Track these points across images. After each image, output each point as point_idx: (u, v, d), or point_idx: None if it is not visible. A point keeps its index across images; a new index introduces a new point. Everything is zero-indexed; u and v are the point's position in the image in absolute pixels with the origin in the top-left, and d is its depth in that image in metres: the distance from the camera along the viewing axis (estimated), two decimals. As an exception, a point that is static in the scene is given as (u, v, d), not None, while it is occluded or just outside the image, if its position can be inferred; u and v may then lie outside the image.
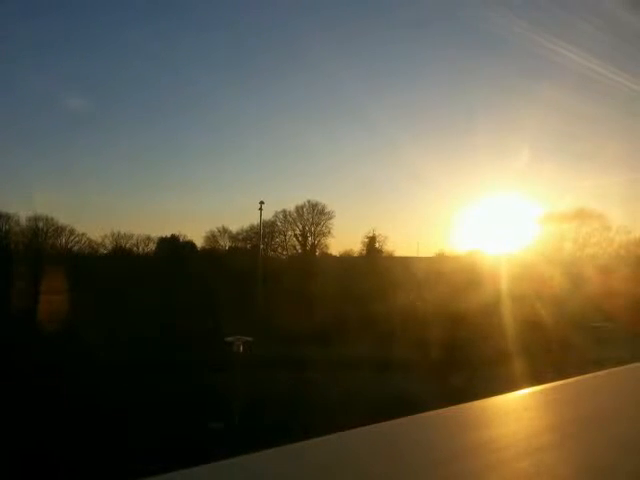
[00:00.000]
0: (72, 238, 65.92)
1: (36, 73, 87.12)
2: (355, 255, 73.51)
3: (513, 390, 2.38)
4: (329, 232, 74.14)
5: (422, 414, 1.75)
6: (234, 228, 74.63)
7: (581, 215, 70.11)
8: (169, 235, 71.14)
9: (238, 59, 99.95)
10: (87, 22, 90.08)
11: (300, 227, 73.61)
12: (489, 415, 1.85)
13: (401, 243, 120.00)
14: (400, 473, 1.37)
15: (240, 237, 74.00)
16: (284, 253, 75.55)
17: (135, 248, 67.68)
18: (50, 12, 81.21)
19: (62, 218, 67.43)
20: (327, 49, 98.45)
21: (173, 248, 67.56)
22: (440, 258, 69.86)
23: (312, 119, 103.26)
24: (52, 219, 64.59)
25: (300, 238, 74.09)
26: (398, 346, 35.77)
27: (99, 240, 67.03)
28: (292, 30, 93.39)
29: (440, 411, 1.88)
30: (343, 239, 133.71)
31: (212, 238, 74.08)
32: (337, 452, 1.46)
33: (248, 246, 72.84)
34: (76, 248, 66.06)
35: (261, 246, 66.99)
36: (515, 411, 1.95)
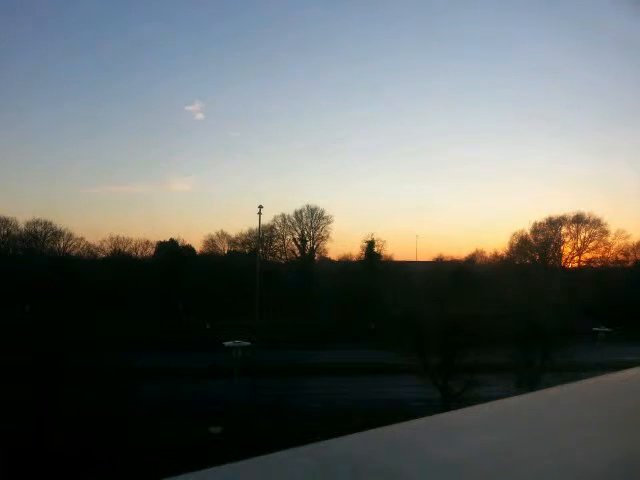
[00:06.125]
0: (70, 242, 65.92)
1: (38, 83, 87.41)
2: (354, 259, 73.57)
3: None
4: (328, 236, 74.28)
5: (422, 419, 1.75)
6: (233, 232, 74.84)
7: (580, 220, 70.28)
8: (168, 239, 71.14)
9: (239, 63, 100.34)
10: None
11: (299, 231, 73.67)
12: (489, 420, 1.85)
13: (400, 247, 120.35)
14: (400, 478, 1.37)
15: (239, 241, 74.09)
16: (283, 257, 75.54)
17: (134, 252, 67.53)
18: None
19: (60, 221, 67.70)
20: (322, 56, 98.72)
21: (172, 252, 67.43)
22: (438, 263, 69.98)
23: (312, 123, 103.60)
24: (50, 223, 64.66)
25: (299, 242, 74.09)
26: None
27: (97, 244, 67.00)
28: (302, 36, 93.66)
29: (440, 416, 1.88)
30: (342, 243, 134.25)
31: (211, 242, 74.20)
32: (336, 457, 1.46)
33: (247, 250, 72.80)
34: (75, 252, 66.04)
35: (260, 250, 66.93)
36: (516, 415, 1.94)
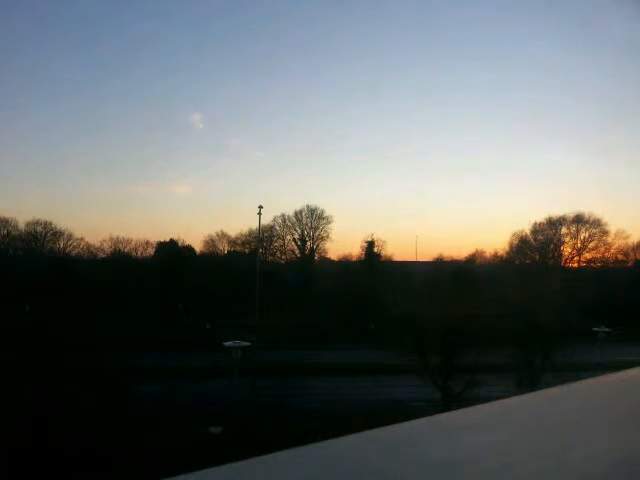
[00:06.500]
0: (70, 242, 65.91)
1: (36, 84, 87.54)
2: (354, 259, 73.56)
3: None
4: (328, 236, 74.29)
5: (422, 419, 1.75)
6: (233, 232, 74.84)
7: (580, 220, 70.26)
8: (168, 240, 71.13)
9: (238, 62, 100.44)
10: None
11: (299, 232, 73.68)
12: (489, 420, 1.85)
13: (400, 247, 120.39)
14: (400, 479, 1.37)
15: (239, 242, 74.08)
16: (283, 257, 75.53)
17: (134, 252, 67.54)
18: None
19: (60, 222, 67.61)
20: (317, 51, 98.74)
21: (172, 252, 67.43)
22: (438, 263, 69.93)
23: (311, 122, 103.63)
24: (50, 223, 64.64)
25: (299, 242, 74.09)
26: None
27: (97, 244, 66.99)
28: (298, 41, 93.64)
29: (440, 416, 1.88)
30: (342, 243, 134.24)
31: (211, 242, 74.19)
32: (336, 457, 1.46)
33: (247, 250, 72.81)
34: (75, 252, 66.04)
35: (260, 250, 66.96)
36: (516, 415, 1.94)
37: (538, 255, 71.79)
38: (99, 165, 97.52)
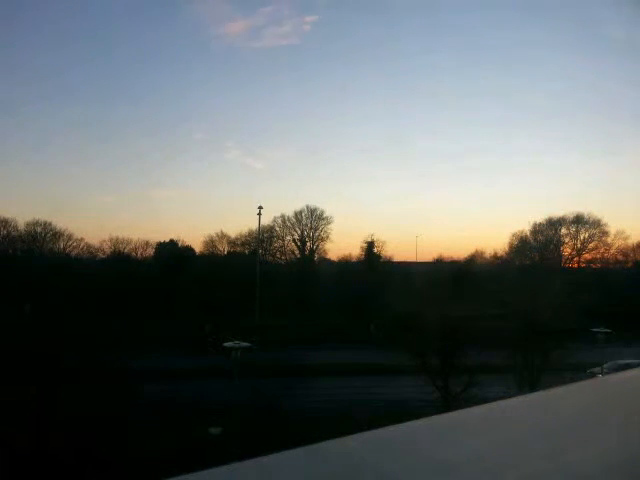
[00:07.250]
0: (70, 243, 65.89)
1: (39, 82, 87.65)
2: (354, 260, 73.54)
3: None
4: (328, 237, 74.24)
5: (422, 419, 1.74)
6: (233, 233, 74.80)
7: (579, 220, 70.29)
8: (168, 240, 71.13)
9: (238, 65, 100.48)
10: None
11: (299, 232, 73.63)
12: (489, 421, 1.85)
13: (400, 248, 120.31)
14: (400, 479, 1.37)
15: (239, 242, 74.03)
16: (283, 258, 75.47)
17: (134, 253, 67.54)
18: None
19: (60, 222, 67.63)
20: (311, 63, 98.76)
21: (172, 253, 67.41)
22: (438, 263, 69.95)
23: (312, 124, 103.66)
24: (50, 224, 64.61)
25: (299, 243, 74.03)
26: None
27: (97, 245, 66.96)
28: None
29: (440, 416, 1.88)
30: (342, 244, 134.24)
31: (210, 243, 74.12)
32: (336, 457, 1.46)
33: (246, 251, 72.78)
34: (74, 253, 66.03)
35: (260, 251, 66.93)
36: (516, 416, 1.94)
37: (538, 255, 71.80)
38: (99, 166, 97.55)
